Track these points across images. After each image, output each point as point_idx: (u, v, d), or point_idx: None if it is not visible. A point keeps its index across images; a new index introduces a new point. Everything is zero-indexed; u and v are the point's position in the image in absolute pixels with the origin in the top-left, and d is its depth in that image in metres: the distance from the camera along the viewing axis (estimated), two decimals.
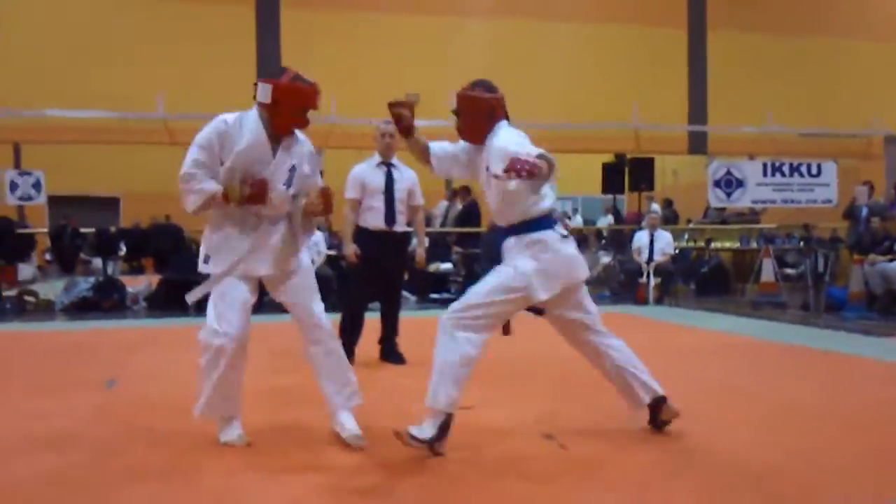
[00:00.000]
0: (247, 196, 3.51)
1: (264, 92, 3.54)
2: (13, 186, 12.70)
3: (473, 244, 12.03)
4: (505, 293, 3.47)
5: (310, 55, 12.08)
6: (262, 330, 5.12)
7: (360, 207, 5.88)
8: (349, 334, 5.72)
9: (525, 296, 3.49)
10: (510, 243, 3.57)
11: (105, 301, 10.37)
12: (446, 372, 3.39)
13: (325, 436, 3.79)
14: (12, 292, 10.81)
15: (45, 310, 10.30)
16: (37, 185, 12.68)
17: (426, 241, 6.02)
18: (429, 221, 14.69)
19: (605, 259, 14.27)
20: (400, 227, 5.95)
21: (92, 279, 10.99)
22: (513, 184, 3.15)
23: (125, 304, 10.56)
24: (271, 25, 13.05)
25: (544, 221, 3.55)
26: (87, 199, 18.29)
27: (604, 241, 16.48)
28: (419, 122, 3.77)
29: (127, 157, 15.77)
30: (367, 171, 5.89)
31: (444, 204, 14.20)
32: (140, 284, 11.16)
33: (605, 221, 17.38)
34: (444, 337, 3.43)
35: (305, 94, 3.59)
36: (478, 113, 3.60)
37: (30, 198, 12.78)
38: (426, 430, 3.39)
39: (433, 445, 3.41)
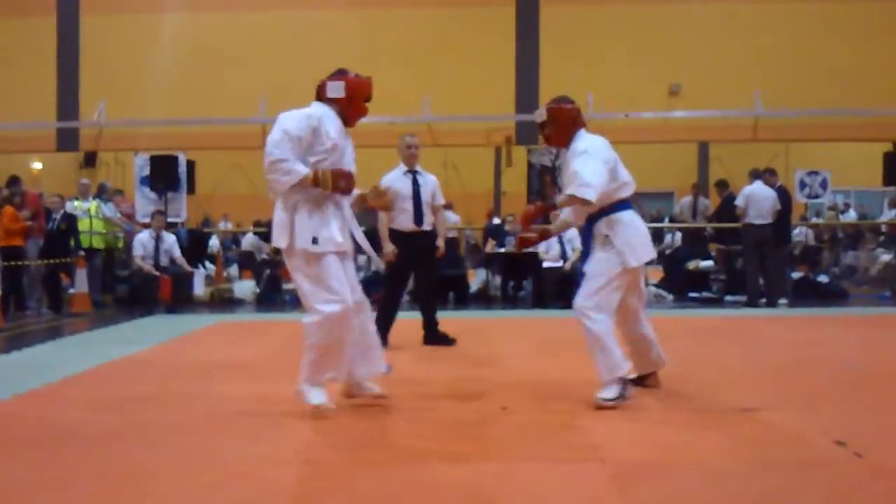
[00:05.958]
0: (340, 188, 3.98)
1: (337, 88, 4.04)
2: None
3: (734, 240, 11.50)
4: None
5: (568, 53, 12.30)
6: None
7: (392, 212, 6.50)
8: (384, 321, 6.29)
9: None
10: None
11: None
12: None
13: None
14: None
15: None
16: None
17: (446, 235, 7.39)
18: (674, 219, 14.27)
19: (885, 257, 13.14)
20: (427, 226, 6.70)
21: None
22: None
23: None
24: (531, 25, 13.27)
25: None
26: None
27: (882, 238, 15.08)
28: None
29: (389, 160, 16.79)
30: (396, 179, 6.62)
31: (686, 200, 13.65)
32: None
33: (889, 215, 15.66)
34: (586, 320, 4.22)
35: (367, 87, 4.12)
36: (562, 123, 4.42)
37: None
38: (612, 392, 4.22)
39: (624, 398, 4.24)
